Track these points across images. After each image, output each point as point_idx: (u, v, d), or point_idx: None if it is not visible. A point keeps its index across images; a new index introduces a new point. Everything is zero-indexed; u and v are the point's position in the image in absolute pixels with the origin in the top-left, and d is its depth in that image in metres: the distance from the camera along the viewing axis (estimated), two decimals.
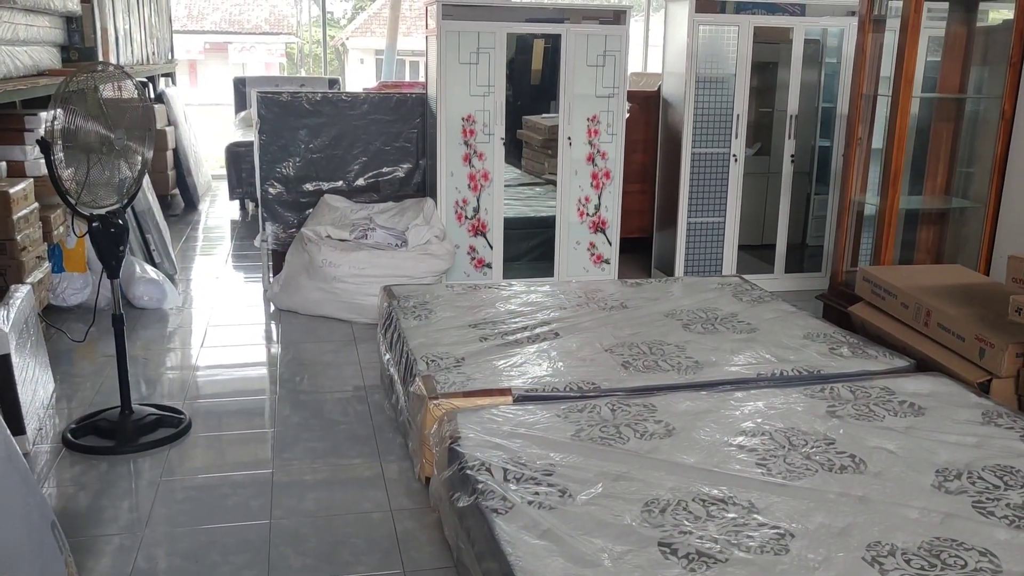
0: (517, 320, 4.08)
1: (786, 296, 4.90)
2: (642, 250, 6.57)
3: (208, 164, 10.94)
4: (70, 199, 3.35)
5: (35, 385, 3.76)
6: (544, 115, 6.34)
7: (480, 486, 2.50)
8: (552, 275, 5.90)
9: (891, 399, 3.22)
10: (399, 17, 16.16)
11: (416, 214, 5.56)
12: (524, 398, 3.22)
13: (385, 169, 5.93)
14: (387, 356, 4.06)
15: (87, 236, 3.59)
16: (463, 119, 5.51)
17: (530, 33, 5.78)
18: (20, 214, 4.42)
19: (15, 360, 3.46)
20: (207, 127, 17.36)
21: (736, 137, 5.81)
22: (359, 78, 28.91)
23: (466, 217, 5.67)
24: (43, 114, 4.83)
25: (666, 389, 3.33)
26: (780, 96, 6.16)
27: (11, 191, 4.37)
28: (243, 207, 8.91)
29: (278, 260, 5.86)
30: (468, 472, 2.60)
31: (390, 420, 3.90)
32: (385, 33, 19.08)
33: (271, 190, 5.80)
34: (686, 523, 2.33)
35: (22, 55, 4.82)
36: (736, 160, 5.85)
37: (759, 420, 3.02)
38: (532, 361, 3.57)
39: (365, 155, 5.88)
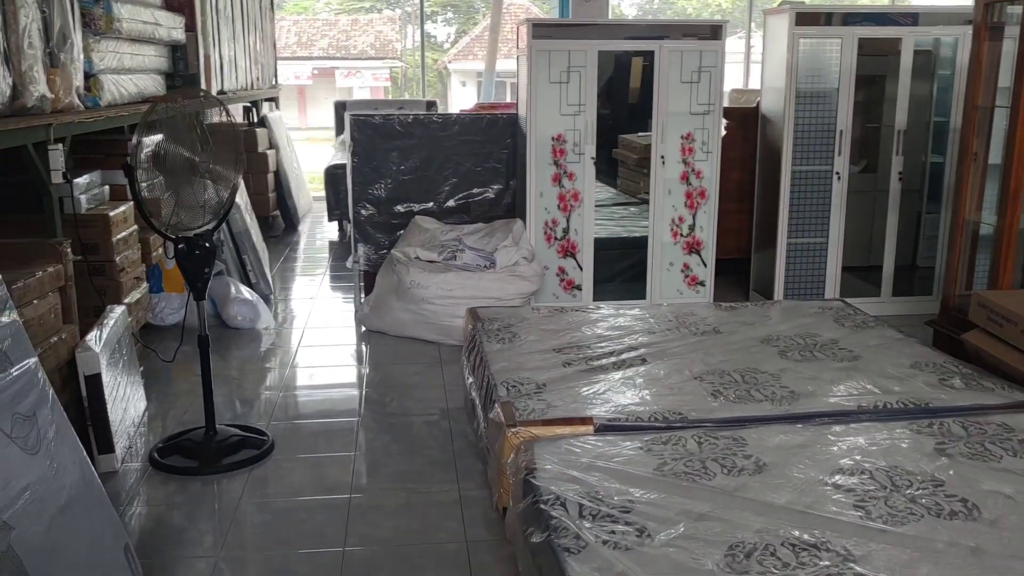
0: (603, 345, 3.95)
1: (892, 321, 4.60)
2: (740, 272, 6.34)
3: (311, 186, 11.20)
4: (154, 222, 3.40)
5: (127, 404, 3.83)
6: (640, 134, 6.21)
7: (554, 522, 2.38)
8: (644, 297, 5.74)
9: (1009, 437, 2.95)
10: (499, 39, 16.28)
11: (505, 235, 5.50)
12: (606, 428, 3.09)
13: (475, 190, 5.90)
14: (470, 380, 3.98)
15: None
16: (553, 139, 5.42)
17: (622, 51, 5.65)
18: (120, 236, 4.55)
19: (106, 379, 3.52)
20: (312, 150, 17.84)
21: (839, 154, 5.55)
22: (460, 100, 29.31)
23: (555, 238, 5.58)
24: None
25: (758, 421, 3.14)
26: (887, 110, 5.85)
27: (111, 214, 4.51)
28: (341, 228, 9.04)
29: (370, 281, 5.88)
30: (542, 506, 2.48)
31: (471, 445, 3.82)
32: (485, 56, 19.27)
33: (363, 212, 5.83)
34: (774, 570, 2.15)
35: (127, 83, 4.99)
36: (839, 178, 5.58)
37: (859, 457, 2.80)
38: (616, 388, 3.43)
39: (455, 176, 5.86)
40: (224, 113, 3.72)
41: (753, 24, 11.81)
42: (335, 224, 9.05)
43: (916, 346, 3.96)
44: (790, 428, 3.04)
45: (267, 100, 10.17)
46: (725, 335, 4.11)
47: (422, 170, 5.83)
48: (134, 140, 3.32)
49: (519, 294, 5.22)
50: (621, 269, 6.00)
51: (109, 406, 3.52)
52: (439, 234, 5.70)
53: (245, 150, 8.48)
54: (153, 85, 5.57)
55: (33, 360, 2.34)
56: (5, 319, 2.30)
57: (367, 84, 30.26)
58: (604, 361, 3.73)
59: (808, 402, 3.31)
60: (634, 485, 2.60)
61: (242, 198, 6.56)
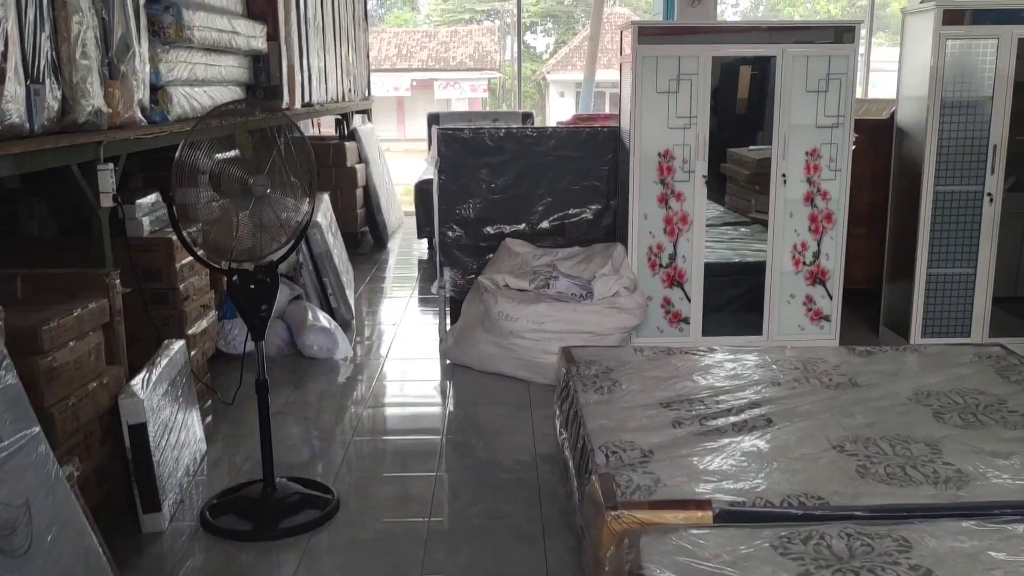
0: (719, 399, 3.37)
1: None
2: (867, 303, 5.64)
3: (404, 198, 10.90)
4: (198, 252, 3.00)
5: (181, 450, 3.45)
6: (751, 147, 5.59)
7: None
8: (760, 333, 5.11)
9: None
10: (598, 48, 15.73)
11: (604, 261, 4.96)
12: (727, 515, 2.52)
13: (572, 211, 5.38)
14: (562, 435, 3.46)
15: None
16: (660, 155, 4.86)
17: (738, 56, 5.05)
18: (185, 261, 4.21)
19: (154, 427, 3.14)
20: (410, 163, 17.63)
21: (992, 172, 4.82)
22: (558, 111, 28.89)
23: (660, 265, 5.01)
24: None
25: (921, 512, 2.51)
26: None
27: (175, 238, 4.16)
28: (431, 246, 8.64)
29: (456, 309, 5.43)
30: None
31: (563, 512, 3.29)
32: (584, 66, 18.74)
33: (450, 233, 5.39)
34: None
35: (200, 95, 4.67)
36: (991, 200, 4.84)
37: None
38: (738, 459, 2.85)
39: (550, 195, 5.36)
40: (290, 129, 3.31)
41: (872, 28, 10.95)
42: (425, 242, 8.67)
43: None
44: (964, 527, 2.41)
45: (359, 112, 9.90)
46: (864, 389, 3.48)
47: (514, 188, 5.34)
48: (178, 157, 2.92)
49: (619, 328, 4.68)
50: (732, 297, 5.38)
51: (157, 457, 3.13)
52: (531, 259, 5.21)
53: (333, 164, 8.23)
54: (231, 97, 5.25)
55: (33, 431, 1.93)
56: None
57: (465, 95, 30.19)
58: (721, 421, 3.15)
59: (980, 487, 2.67)
60: None
61: (325, 217, 6.21)
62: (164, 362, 3.43)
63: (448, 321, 5.48)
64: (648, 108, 4.80)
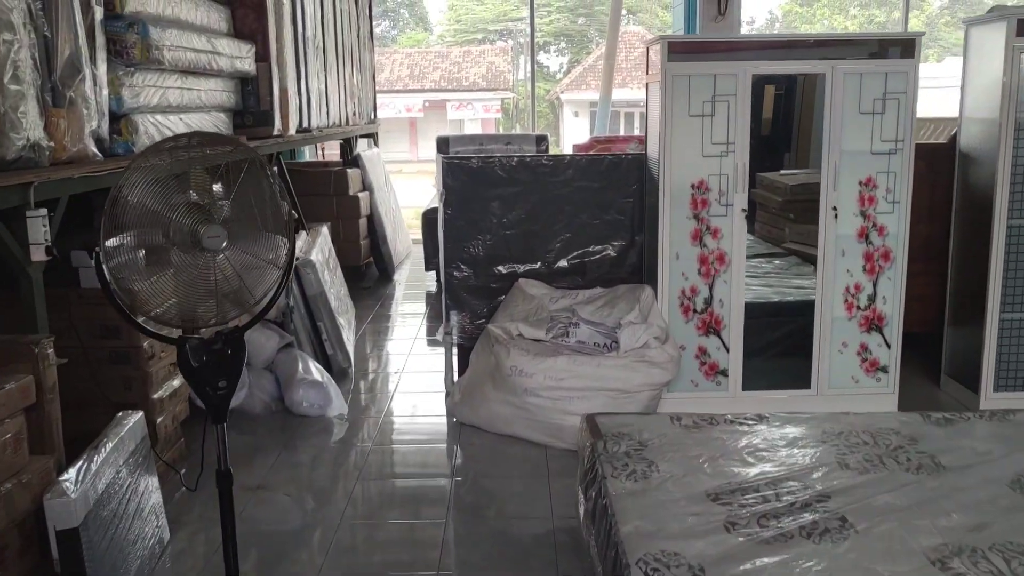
0: (779, 489, 2.77)
1: None
2: (923, 349, 5.03)
3: (413, 222, 10.37)
4: (135, 317, 2.45)
5: (132, 545, 2.88)
6: (783, 172, 5.01)
7: None
8: (809, 386, 4.51)
9: None
10: (614, 67, 15.22)
11: (630, 306, 4.39)
12: None
13: (593, 248, 4.81)
14: (589, 532, 2.87)
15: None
16: (693, 186, 4.29)
17: (781, 74, 4.47)
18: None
19: (88, 534, 2.58)
20: (422, 185, 17.13)
21: None
22: (573, 131, 28.44)
23: (695, 311, 4.42)
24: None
25: None
26: None
27: (138, 287, 3.61)
28: (439, 279, 8.09)
29: (464, 358, 4.86)
30: None
31: None
32: (600, 85, 18.24)
33: (456, 274, 4.82)
34: None
35: (175, 123, 4.15)
36: None
37: None
38: None
39: (568, 230, 4.79)
40: (263, 167, 2.75)
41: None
42: (433, 274, 8.10)
43: None
44: None
45: (364, 136, 9.39)
46: (953, 473, 2.87)
47: (528, 223, 4.78)
48: (108, 203, 2.37)
49: (649, 385, 4.09)
50: (772, 341, 4.77)
51: (95, 564, 2.56)
52: (548, 302, 4.64)
53: (335, 192, 7.70)
54: (213, 124, 4.73)
55: None
56: None
57: (478, 116, 29.83)
58: (785, 522, 2.55)
59: None
60: None
61: (321, 252, 5.66)
62: (111, 444, 2.87)
63: (455, 372, 4.91)
64: (680, 133, 4.24)
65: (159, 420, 3.66)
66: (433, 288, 7.96)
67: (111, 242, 2.40)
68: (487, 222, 4.78)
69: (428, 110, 29.49)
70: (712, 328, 4.43)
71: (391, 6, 36.85)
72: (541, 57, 35.92)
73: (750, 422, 3.40)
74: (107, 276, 2.38)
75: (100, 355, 3.53)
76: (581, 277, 4.83)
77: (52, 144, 3.01)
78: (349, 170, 7.73)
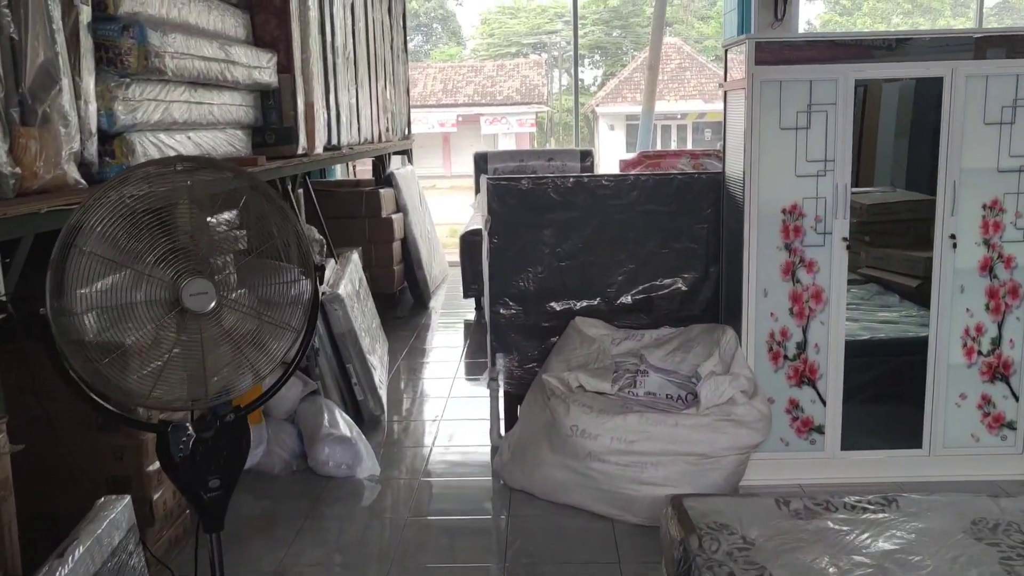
0: None
1: None
2: None
3: (449, 239, 9.81)
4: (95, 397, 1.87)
5: None
6: (863, 189, 4.37)
7: None
8: (920, 445, 3.83)
9: None
10: (657, 79, 14.57)
11: (708, 350, 3.75)
12: None
13: (661, 281, 4.17)
14: None
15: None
16: (785, 211, 3.65)
17: (891, 79, 3.82)
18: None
19: None
20: (457, 201, 16.59)
21: None
22: (609, 144, 27.84)
23: (785, 357, 3.77)
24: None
25: None
26: None
27: (129, 341, 3.04)
28: (479, 306, 7.49)
29: (513, 406, 4.25)
30: None
31: None
32: (637, 98, 17.61)
33: (503, 311, 4.21)
34: None
35: (182, 142, 3.59)
36: None
37: None
38: None
39: (633, 261, 4.17)
40: (271, 199, 2.17)
41: None
42: (472, 301, 7.50)
43: None
44: None
45: (398, 153, 8.84)
46: None
47: (586, 253, 4.16)
48: (57, 251, 1.80)
49: (736, 448, 3.44)
50: (863, 384, 4.09)
51: None
52: (609, 344, 4.01)
53: (366, 214, 7.13)
54: (229, 143, 4.17)
55: None
56: None
57: (512, 130, 29.38)
58: None
59: None
60: None
61: (351, 283, 5.09)
62: (83, 547, 2.28)
63: (502, 424, 4.30)
64: (769, 149, 3.60)
65: (156, 496, 3.08)
66: (472, 316, 7.36)
67: (64, 301, 1.82)
68: (539, 252, 4.17)
69: (461, 125, 29.08)
70: (806, 378, 3.77)
71: (424, 20, 36.57)
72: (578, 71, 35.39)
73: (873, 507, 2.75)
74: (57, 342, 1.79)
75: (86, 421, 2.96)
76: (647, 315, 4.19)
77: (17, 171, 2.44)
78: (382, 190, 7.16)
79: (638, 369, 3.80)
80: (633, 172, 4.41)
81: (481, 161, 8.68)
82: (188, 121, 3.68)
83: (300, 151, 4.86)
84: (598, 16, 33.16)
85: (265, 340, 2.09)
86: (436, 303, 7.94)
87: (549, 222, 4.15)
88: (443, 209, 15.85)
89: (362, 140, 6.93)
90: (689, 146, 29.00)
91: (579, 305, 4.20)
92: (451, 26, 37.67)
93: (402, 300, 7.71)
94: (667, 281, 4.18)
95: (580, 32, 31.77)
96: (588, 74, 34.99)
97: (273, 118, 4.77)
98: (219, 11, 4.05)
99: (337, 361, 4.64)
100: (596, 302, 4.20)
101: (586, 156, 8.69)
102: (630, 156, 7.84)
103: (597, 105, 29.23)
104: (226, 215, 2.30)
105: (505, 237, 4.17)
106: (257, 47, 4.50)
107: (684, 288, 4.18)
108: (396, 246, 7.28)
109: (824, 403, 3.78)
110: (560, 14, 33.69)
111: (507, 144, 29.52)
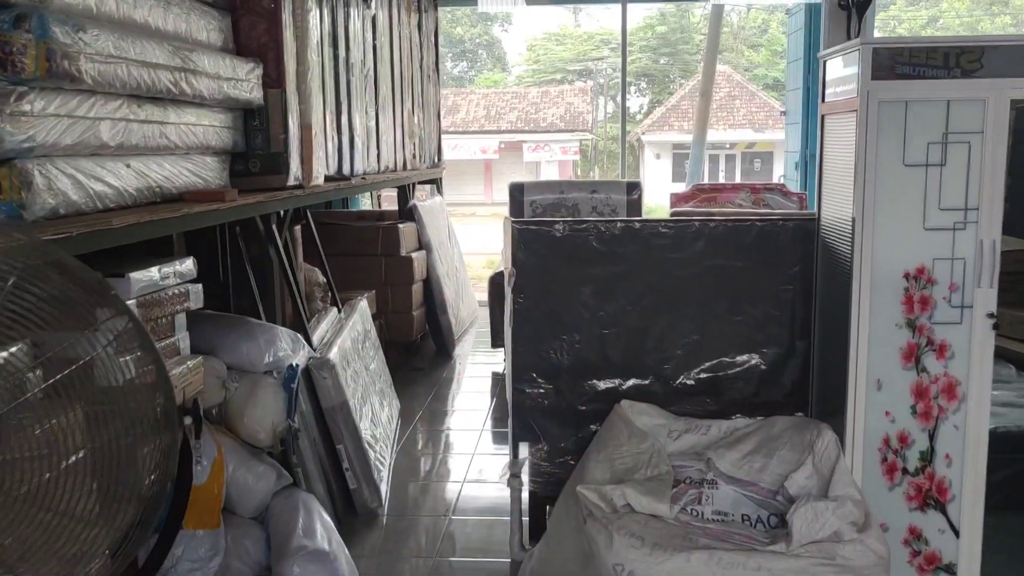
0: None
1: None
2: None
3: (480, 277, 8.96)
4: None
5: None
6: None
7: None
8: None
9: None
10: (710, 106, 13.65)
11: (797, 455, 2.81)
12: None
13: (734, 357, 3.25)
14: None
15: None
16: (908, 275, 2.71)
17: None
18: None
19: None
20: (495, 228, 15.71)
21: None
22: (655, 174, 26.98)
23: (905, 471, 2.81)
24: (134, 275, 2.71)
25: None
26: None
27: (38, 432, 2.20)
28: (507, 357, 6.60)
29: (539, 510, 3.34)
30: None
31: None
32: (685, 126, 16.71)
33: (529, 389, 3.31)
34: None
35: (117, 173, 2.77)
36: None
37: None
38: None
39: (696, 330, 3.25)
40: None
41: None
42: (501, 352, 6.61)
43: None
44: None
45: (425, 183, 8.02)
46: None
47: (636, 317, 3.26)
48: None
49: None
50: (995, 483, 3.12)
51: None
52: (665, 437, 3.09)
53: (383, 253, 6.25)
54: (194, 173, 3.34)
55: None
56: None
57: (555, 158, 28.72)
58: None
59: None
60: None
61: (349, 340, 4.25)
62: None
63: (525, 532, 3.38)
64: (888, 192, 2.67)
65: None
66: (501, 368, 6.46)
67: None
68: (576, 316, 3.27)
69: (504, 151, 28.45)
70: (933, 500, 2.81)
71: (469, 47, 36.15)
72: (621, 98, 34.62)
73: None
74: None
75: None
76: (714, 400, 3.26)
77: None
78: (402, 225, 6.32)
79: (704, 477, 2.88)
80: (698, 217, 3.47)
81: (517, 192, 7.77)
82: (126, 145, 2.85)
83: (292, 181, 4.03)
84: (645, 43, 32.45)
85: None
86: (462, 350, 7.07)
87: (590, 278, 3.25)
88: (482, 237, 15.02)
89: (382, 168, 6.13)
90: (738, 177, 28.05)
91: (626, 385, 3.29)
92: (496, 52, 37.23)
93: (423, 348, 6.85)
94: (741, 357, 3.25)
95: (627, 59, 31.06)
96: (634, 101, 34.20)
97: (259, 142, 3.95)
98: (182, 9, 3.24)
99: (325, 441, 3.77)
100: (648, 381, 3.28)
101: (633, 188, 7.75)
102: (682, 189, 7.00)
103: (643, 133, 28.46)
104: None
105: (534, 296, 3.28)
106: (240, 56, 3.69)
107: (763, 367, 3.24)
108: (417, 288, 6.43)
109: (957, 533, 2.81)
110: (606, 40, 33.08)
111: (550, 172, 28.80)
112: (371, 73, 5.85)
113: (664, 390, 3.28)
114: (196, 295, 3.08)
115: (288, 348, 3.52)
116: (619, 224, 3.28)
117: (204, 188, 3.41)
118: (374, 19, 5.92)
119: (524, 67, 35.73)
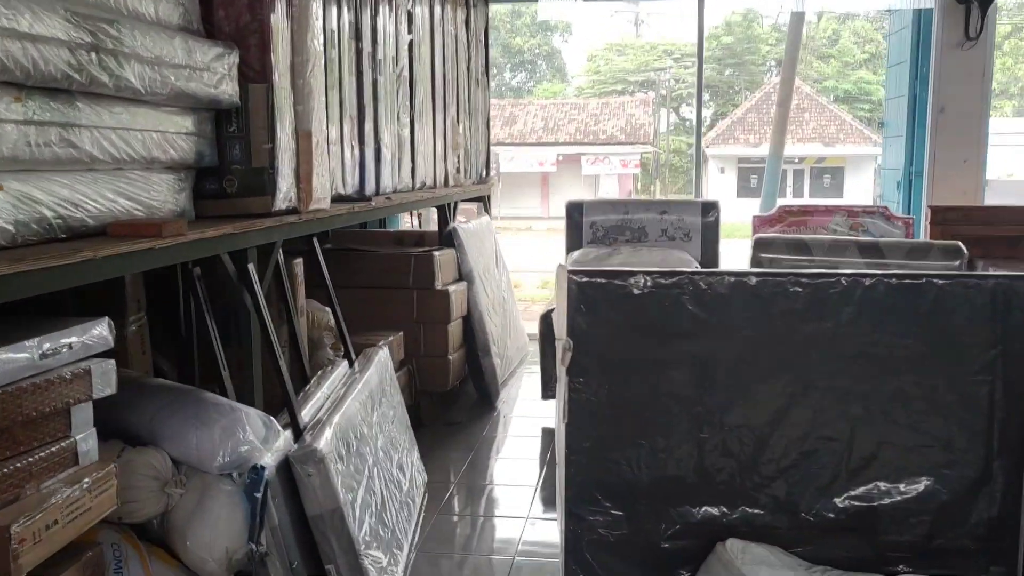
0: None
1: None
2: None
3: (534, 300, 7.95)
4: None
5: None
6: None
7: None
8: None
9: None
10: (788, 117, 12.45)
11: None
12: None
13: (898, 482, 2.17)
14: None
15: None
16: None
17: None
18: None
19: None
20: (552, 243, 14.56)
21: None
22: (719, 189, 25.90)
23: None
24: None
25: None
26: None
27: None
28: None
29: None
30: None
31: None
32: (751, 139, 15.51)
33: (590, 517, 2.28)
34: None
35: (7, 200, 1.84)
36: None
37: None
38: None
39: (842, 439, 2.18)
40: None
41: None
42: (552, 404, 5.56)
43: None
44: None
45: (471, 201, 7.03)
46: None
47: (746, 416, 2.20)
48: None
49: None
50: None
51: None
52: None
53: (414, 285, 5.03)
54: (139, 197, 2.39)
55: None
56: None
57: (615, 171, 27.79)
58: None
59: None
60: None
61: (357, 403, 3.26)
62: None
63: None
64: None
65: None
66: (552, 424, 5.42)
67: None
68: (661, 412, 2.23)
69: (562, 164, 27.53)
70: None
71: (529, 57, 35.31)
72: (682, 110, 33.48)
73: None
74: None
75: None
76: (867, 542, 2.19)
77: None
78: (438, 253, 5.31)
79: None
80: (846, 271, 2.38)
81: (575, 212, 6.76)
82: (27, 159, 1.90)
83: (282, 205, 3.05)
84: (710, 54, 31.33)
85: None
86: (508, 394, 6.04)
87: (681, 357, 2.21)
88: (538, 253, 13.91)
89: (418, 185, 5.17)
90: (807, 194, 26.75)
91: (733, 515, 2.24)
92: (556, 63, 36.41)
93: (461, 396, 5.83)
94: (905, 484, 2.18)
95: (690, 70, 29.98)
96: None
97: (236, 154, 2.99)
98: None
99: (309, 557, 2.77)
100: (766, 511, 2.23)
101: (709, 209, 6.70)
102: (754, 207, 5.87)
103: (707, 147, 27.37)
104: None
105: (599, 381, 2.25)
106: (202, 37, 2.74)
107: (943, 496, 2.16)
108: (455, 327, 5.41)
109: None
110: (669, 51, 32.08)
111: (609, 185, 27.81)
112: (405, 73, 4.90)
113: (790, 524, 2.21)
114: (105, 375, 2.12)
115: (256, 438, 2.54)
116: (726, 279, 2.23)
117: (142, 218, 2.45)
118: (410, 12, 4.97)
119: (584, 78, 34.97)
